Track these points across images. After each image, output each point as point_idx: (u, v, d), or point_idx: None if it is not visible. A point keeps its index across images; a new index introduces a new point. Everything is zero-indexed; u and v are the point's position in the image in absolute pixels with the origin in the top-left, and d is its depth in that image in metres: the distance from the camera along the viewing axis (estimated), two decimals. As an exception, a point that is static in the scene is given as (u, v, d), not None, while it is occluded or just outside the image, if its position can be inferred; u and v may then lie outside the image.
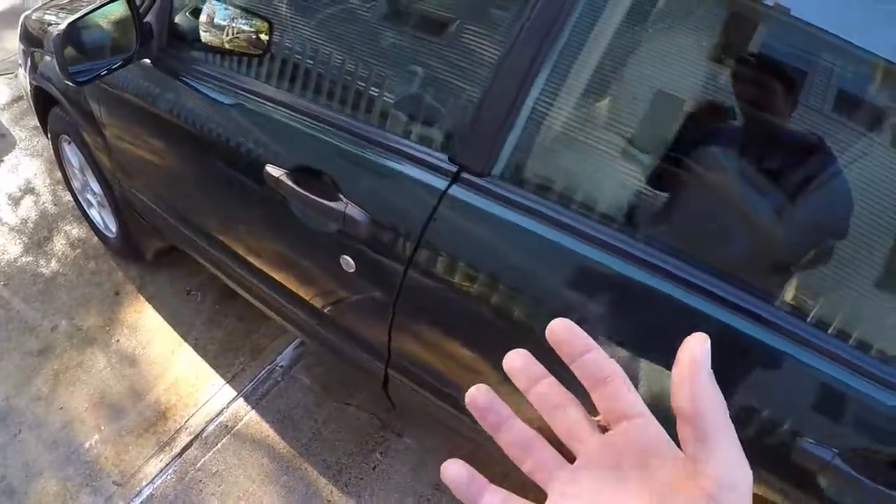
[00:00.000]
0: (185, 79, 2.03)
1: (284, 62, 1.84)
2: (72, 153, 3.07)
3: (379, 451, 2.44)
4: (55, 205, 3.75)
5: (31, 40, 2.97)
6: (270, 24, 1.85)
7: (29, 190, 3.90)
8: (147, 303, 3.07)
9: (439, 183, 1.44)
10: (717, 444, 0.36)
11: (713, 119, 1.33)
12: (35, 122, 4.42)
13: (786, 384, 1.23)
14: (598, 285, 1.35)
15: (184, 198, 2.35)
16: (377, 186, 1.58)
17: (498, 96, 1.35)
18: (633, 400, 0.41)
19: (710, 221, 1.34)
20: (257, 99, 1.83)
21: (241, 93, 1.87)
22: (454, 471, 0.44)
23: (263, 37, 1.87)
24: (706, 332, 0.38)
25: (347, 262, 1.64)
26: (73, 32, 1.96)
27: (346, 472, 2.39)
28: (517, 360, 0.45)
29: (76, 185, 3.28)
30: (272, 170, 1.70)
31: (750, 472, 0.37)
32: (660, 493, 0.39)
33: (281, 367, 2.74)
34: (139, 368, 2.81)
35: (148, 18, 2.05)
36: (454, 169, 1.43)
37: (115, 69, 2.02)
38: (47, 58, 2.79)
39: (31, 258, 3.43)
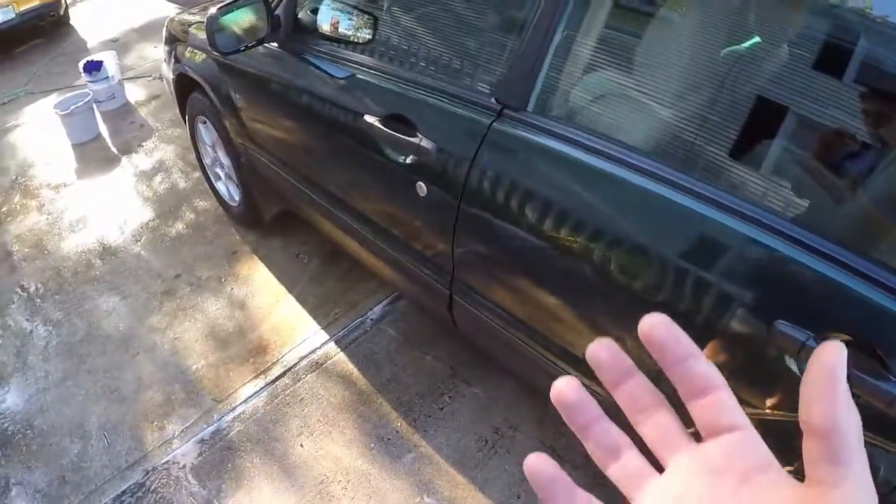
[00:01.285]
0: (305, 57, 2.52)
1: (380, 41, 2.35)
2: (206, 132, 3.55)
3: (448, 395, 2.74)
4: (185, 181, 4.26)
5: (173, 39, 3.57)
6: (376, 18, 2.35)
7: (163, 169, 4.44)
8: (260, 261, 3.50)
9: (486, 118, 1.84)
10: (849, 468, 0.33)
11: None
12: (170, 115, 5.03)
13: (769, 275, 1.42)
14: (614, 194, 1.63)
15: (301, 156, 2.79)
16: (442, 124, 1.99)
17: (528, 47, 1.75)
18: (736, 413, 0.37)
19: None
20: (358, 66, 2.30)
21: (348, 63, 2.34)
22: (536, 463, 0.41)
23: (367, 31, 2.34)
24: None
25: (421, 187, 2.03)
26: (220, 17, 2.48)
27: (416, 410, 2.69)
28: (602, 353, 0.40)
29: (207, 161, 3.76)
30: (368, 118, 2.14)
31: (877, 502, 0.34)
32: None
33: (371, 319, 3.09)
34: (246, 312, 3.21)
35: (277, 12, 2.57)
36: (498, 107, 1.82)
37: (252, 47, 2.54)
38: (187, 52, 3.32)
39: (161, 222, 3.92)
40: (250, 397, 2.79)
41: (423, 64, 2.16)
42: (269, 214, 3.43)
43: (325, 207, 2.70)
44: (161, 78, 5.93)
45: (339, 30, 2.40)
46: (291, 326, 3.10)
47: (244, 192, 3.41)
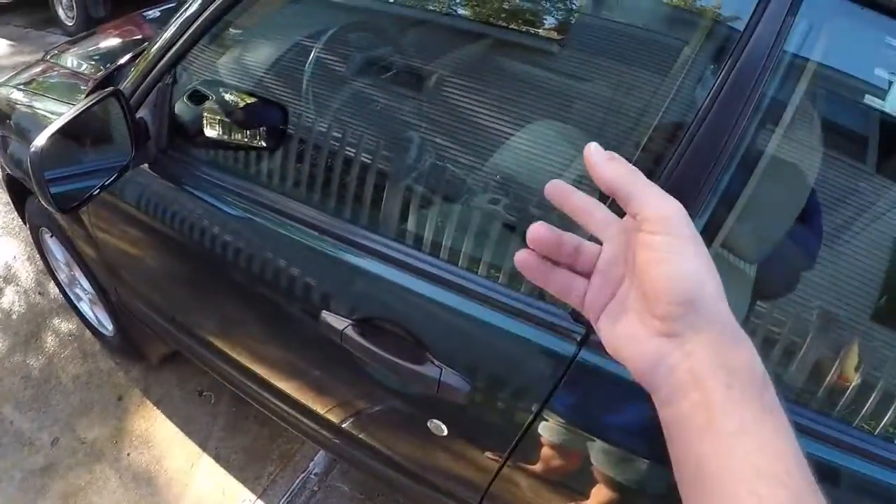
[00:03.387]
0: (188, 188, 1.75)
1: (318, 174, 1.62)
2: (55, 246, 2.80)
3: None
4: (40, 294, 3.47)
5: (1, 118, 2.62)
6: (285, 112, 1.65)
7: (9, 277, 3.62)
8: (156, 408, 2.81)
9: (564, 348, 1.16)
10: (638, 194, 0.48)
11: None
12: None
13: None
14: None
15: (195, 316, 2.08)
16: (482, 350, 1.28)
17: None
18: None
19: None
20: (290, 221, 1.53)
21: (264, 210, 1.58)
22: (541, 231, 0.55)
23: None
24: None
25: (438, 427, 1.39)
26: (53, 146, 1.57)
27: None
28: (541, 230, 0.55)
29: (62, 277, 3.00)
30: (332, 320, 1.41)
31: (677, 203, 0.48)
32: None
33: (315, 474, 2.49)
34: (156, 487, 2.55)
35: (141, 113, 1.77)
36: (581, 330, 1.15)
37: (109, 184, 1.71)
38: (16, 144, 2.49)
39: (20, 357, 3.15)
40: None
41: (431, 235, 1.38)
42: (155, 357, 2.73)
43: (253, 389, 1.99)
44: None
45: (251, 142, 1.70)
46: (218, 500, 2.46)
47: (119, 328, 2.70)
